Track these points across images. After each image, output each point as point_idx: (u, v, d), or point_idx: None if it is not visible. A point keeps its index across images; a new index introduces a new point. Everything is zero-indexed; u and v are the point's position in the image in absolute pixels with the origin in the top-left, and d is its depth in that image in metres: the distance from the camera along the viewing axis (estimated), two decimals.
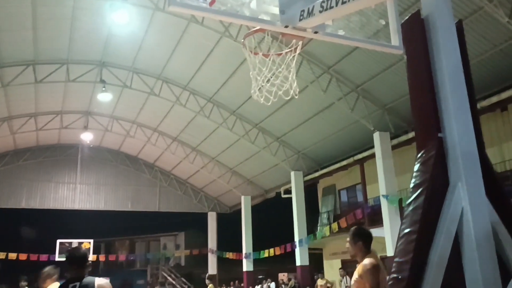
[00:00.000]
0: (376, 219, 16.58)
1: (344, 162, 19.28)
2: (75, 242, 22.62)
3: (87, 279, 3.79)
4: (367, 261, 4.03)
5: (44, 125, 22.35)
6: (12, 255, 23.87)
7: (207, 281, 18.67)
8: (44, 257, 23.54)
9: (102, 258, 28.56)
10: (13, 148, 24.67)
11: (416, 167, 3.27)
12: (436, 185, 3.14)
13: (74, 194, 26.15)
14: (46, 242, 23.67)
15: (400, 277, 2.89)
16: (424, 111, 3.42)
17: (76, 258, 3.91)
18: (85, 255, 3.99)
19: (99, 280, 3.81)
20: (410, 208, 3.12)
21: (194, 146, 24.04)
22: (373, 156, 16.61)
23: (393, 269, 2.96)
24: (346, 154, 19.09)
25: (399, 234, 3.10)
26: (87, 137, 24.15)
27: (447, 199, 3.10)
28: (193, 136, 23.10)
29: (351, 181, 21.00)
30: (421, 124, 3.47)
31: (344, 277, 17.30)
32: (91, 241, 21.99)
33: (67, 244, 22.56)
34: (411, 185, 3.22)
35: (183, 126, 22.39)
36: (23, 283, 11.73)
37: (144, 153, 27.02)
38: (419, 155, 3.31)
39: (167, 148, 24.89)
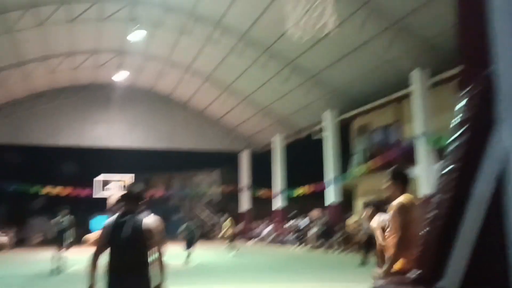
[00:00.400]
0: (410, 158, 16.42)
1: (380, 101, 18.90)
2: (115, 178, 23.39)
3: (140, 215, 3.92)
4: (396, 201, 4.15)
5: (79, 65, 22.60)
6: (54, 190, 25.00)
7: (226, 219, 19.27)
8: (84, 193, 24.56)
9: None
10: (50, 88, 25.17)
11: (461, 104, 3.14)
12: (481, 123, 3.01)
13: (110, 132, 26.71)
14: (85, 178, 24.59)
15: (439, 214, 2.86)
16: (472, 44, 3.24)
17: (131, 194, 4.09)
18: (140, 192, 4.12)
19: (147, 219, 3.91)
20: (453, 146, 3.03)
21: (227, 85, 23.95)
22: (410, 94, 16.23)
23: (432, 206, 2.92)
24: (382, 93, 18.61)
25: (440, 171, 3.04)
26: (121, 76, 24.40)
27: (492, 138, 2.99)
28: (226, 74, 22.95)
29: (387, 121, 20.70)
30: (468, 59, 3.29)
31: (366, 217, 16.26)
32: (133, 175, 22.69)
33: (104, 182, 23.34)
34: (455, 122, 3.11)
35: (215, 64, 22.23)
36: (61, 216, 12.40)
37: (178, 92, 27.16)
38: (464, 91, 3.17)
39: (200, 87, 24.92)
